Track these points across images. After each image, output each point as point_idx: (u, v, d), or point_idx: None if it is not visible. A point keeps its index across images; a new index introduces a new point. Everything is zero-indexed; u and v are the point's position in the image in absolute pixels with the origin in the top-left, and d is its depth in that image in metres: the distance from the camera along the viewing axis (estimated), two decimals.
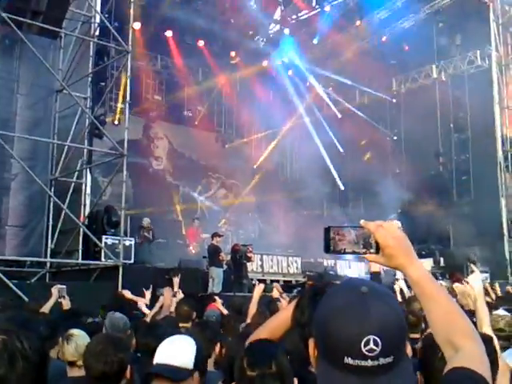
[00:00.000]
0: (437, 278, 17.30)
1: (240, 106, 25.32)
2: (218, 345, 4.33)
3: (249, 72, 24.47)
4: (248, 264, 15.47)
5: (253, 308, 6.30)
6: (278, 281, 15.22)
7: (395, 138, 25.97)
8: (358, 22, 24.23)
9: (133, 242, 13.82)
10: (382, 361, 1.39)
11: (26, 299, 9.60)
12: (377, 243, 1.61)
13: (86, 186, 13.79)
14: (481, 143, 21.88)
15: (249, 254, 15.47)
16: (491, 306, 7.25)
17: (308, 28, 24.68)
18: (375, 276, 3.35)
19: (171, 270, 13.56)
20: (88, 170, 14.00)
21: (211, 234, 16.01)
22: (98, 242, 12.68)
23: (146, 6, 19.99)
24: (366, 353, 1.39)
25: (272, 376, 2.36)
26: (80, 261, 12.94)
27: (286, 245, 20.38)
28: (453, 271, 19.23)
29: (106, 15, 14.71)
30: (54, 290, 7.37)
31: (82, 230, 12.85)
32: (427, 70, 24.54)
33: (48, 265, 13.02)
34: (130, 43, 13.60)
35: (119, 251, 12.57)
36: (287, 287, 14.53)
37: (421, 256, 21.95)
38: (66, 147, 13.54)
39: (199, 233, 19.10)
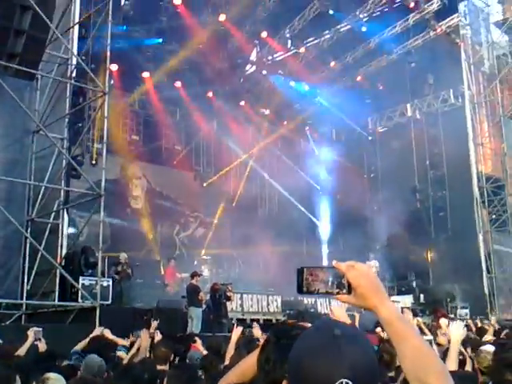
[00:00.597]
0: (416, 315, 17.38)
1: (218, 144, 25.53)
2: None
3: (226, 112, 24.68)
4: (228, 303, 15.35)
5: (231, 350, 6.26)
6: (258, 320, 15.12)
7: (372, 175, 26.24)
8: (332, 63, 24.67)
9: (110, 283, 13.64)
10: None
11: (1, 341, 9.40)
12: (349, 284, 1.61)
13: (62, 226, 13.66)
14: (457, 179, 22.21)
15: (228, 294, 15.36)
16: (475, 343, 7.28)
17: (283, 69, 25.07)
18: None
19: (149, 310, 13.43)
20: (65, 210, 13.88)
21: (190, 274, 15.89)
22: (74, 283, 12.50)
23: (123, 47, 20.19)
24: None
25: None
26: (56, 302, 12.72)
27: (266, 283, 20.28)
28: (436, 307, 19.30)
29: (83, 57, 14.78)
30: (30, 333, 7.23)
31: (58, 271, 12.67)
32: (402, 108, 25.06)
33: (24, 306, 12.77)
34: (106, 84, 13.65)
35: (96, 292, 12.39)
36: (268, 326, 14.41)
37: (401, 292, 22.03)
38: (43, 188, 13.44)
39: (176, 272, 18.97)
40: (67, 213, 14.08)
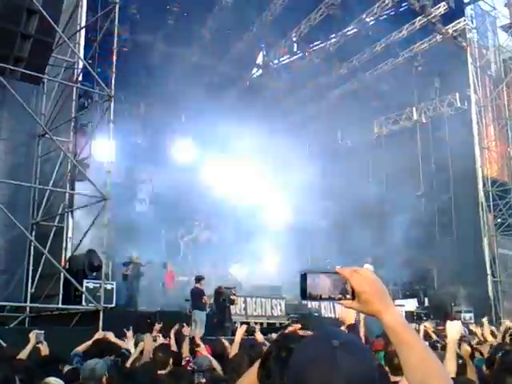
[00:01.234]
0: (421, 319, 17.36)
1: (222, 148, 25.54)
2: None
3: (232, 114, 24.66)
4: (231, 307, 15.37)
5: (234, 349, 6.23)
6: (261, 324, 15.14)
7: (377, 179, 26.21)
8: (338, 67, 24.68)
9: (114, 286, 13.69)
10: None
11: (4, 344, 9.46)
12: (352, 289, 1.61)
13: (67, 229, 13.73)
14: (462, 183, 22.15)
15: (232, 297, 15.40)
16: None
17: (290, 72, 25.09)
18: (350, 328, 3.32)
19: (153, 313, 13.48)
20: (70, 213, 13.95)
21: (195, 277, 15.94)
22: (78, 286, 12.55)
23: (129, 51, 20.32)
24: None
25: None
26: (60, 305, 12.78)
27: (270, 287, 20.27)
28: (447, 313, 19.26)
29: (89, 61, 14.86)
30: (32, 336, 7.21)
31: (62, 274, 12.73)
32: (408, 112, 25.02)
33: (27, 309, 12.84)
34: (113, 88, 13.71)
35: (100, 295, 12.44)
36: (271, 330, 14.44)
37: (405, 296, 21.98)
38: (48, 191, 13.51)
39: (174, 276, 19.03)
40: (72, 216, 14.15)
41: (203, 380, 6.43)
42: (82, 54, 14.32)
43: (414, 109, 24.68)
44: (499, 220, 22.46)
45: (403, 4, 22.38)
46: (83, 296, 12.63)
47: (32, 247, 13.05)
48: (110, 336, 8.79)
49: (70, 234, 13.73)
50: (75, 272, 13.23)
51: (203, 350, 8.31)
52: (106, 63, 15.41)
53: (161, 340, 7.87)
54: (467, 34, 22.73)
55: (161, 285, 19.09)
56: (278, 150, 27.17)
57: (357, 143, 27.25)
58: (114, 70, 14.25)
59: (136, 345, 7.89)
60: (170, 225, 23.20)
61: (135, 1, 20.13)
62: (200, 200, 24.36)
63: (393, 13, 22.87)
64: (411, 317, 19.01)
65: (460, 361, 4.95)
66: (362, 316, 8.97)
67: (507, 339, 8.75)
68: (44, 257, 12.66)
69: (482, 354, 7.26)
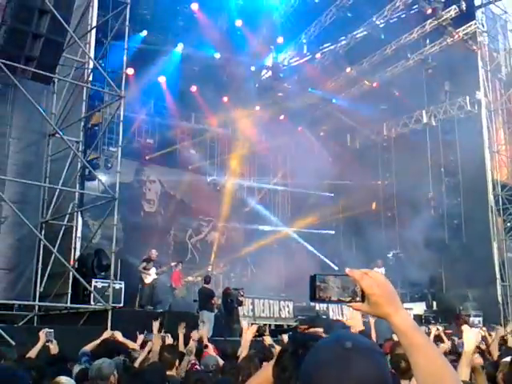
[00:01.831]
0: (429, 322, 17.29)
1: (232, 149, 25.64)
2: None
3: (241, 116, 24.73)
4: (239, 308, 15.36)
5: (245, 348, 6.14)
6: (269, 325, 15.11)
7: (386, 182, 26.16)
8: (348, 69, 24.65)
9: (123, 285, 13.70)
10: None
11: (13, 343, 9.50)
12: (362, 291, 1.60)
13: (76, 228, 13.76)
14: (472, 187, 22.02)
15: (240, 298, 15.38)
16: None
17: (299, 74, 25.07)
18: (361, 334, 3.29)
19: (161, 313, 13.48)
20: (79, 213, 13.99)
21: (203, 278, 15.95)
22: (87, 285, 12.58)
23: (140, 51, 20.37)
24: None
25: None
26: (69, 304, 12.81)
27: (278, 288, 20.28)
28: (457, 314, 19.17)
29: (100, 61, 14.90)
30: (42, 334, 7.24)
31: (71, 273, 12.77)
32: (417, 115, 24.91)
33: (36, 308, 12.88)
34: (123, 88, 13.74)
35: (109, 294, 12.46)
36: (279, 331, 14.41)
37: (413, 299, 21.92)
38: (58, 190, 13.56)
39: (182, 276, 19.03)
40: (81, 215, 14.20)
41: None
42: (92, 54, 14.37)
43: (424, 112, 24.58)
44: (508, 224, 22.34)
45: (414, 7, 22.32)
46: (92, 295, 12.66)
47: (41, 246, 13.09)
48: (118, 335, 8.80)
49: (79, 234, 13.76)
50: (84, 271, 13.28)
51: (211, 350, 8.29)
52: (116, 63, 15.43)
53: (169, 340, 7.86)
54: (478, 37, 22.62)
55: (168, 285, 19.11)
56: (287, 150, 27.25)
57: (366, 146, 27.21)
58: (125, 70, 14.29)
59: (144, 344, 7.89)
60: (178, 225, 23.28)
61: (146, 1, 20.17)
62: (209, 201, 24.41)
63: (403, 15, 22.81)
64: (419, 320, 18.93)
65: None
66: (372, 319, 8.94)
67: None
68: (53, 256, 12.69)
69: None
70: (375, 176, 26.40)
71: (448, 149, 23.69)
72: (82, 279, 12.50)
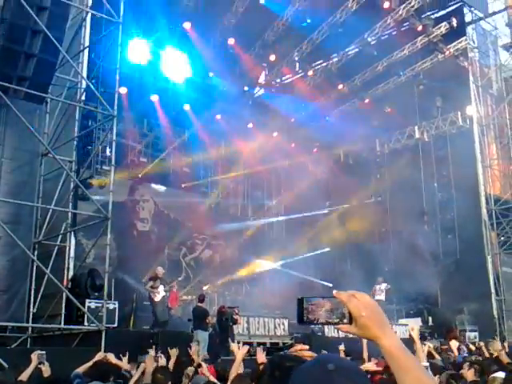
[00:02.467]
0: (425, 338, 17.23)
1: (226, 165, 25.69)
2: None
3: (234, 133, 24.83)
4: (234, 326, 15.26)
5: (234, 371, 6.04)
6: (264, 343, 15.03)
7: (379, 198, 26.23)
8: (340, 86, 24.78)
9: (117, 306, 13.60)
10: None
11: (6, 365, 9.38)
12: (350, 313, 1.60)
13: (69, 249, 13.68)
14: (465, 202, 22.10)
15: (235, 317, 15.27)
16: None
17: (292, 91, 25.19)
18: None
19: (155, 334, 13.39)
20: (72, 233, 13.92)
21: (198, 296, 15.87)
22: (80, 306, 12.48)
23: (131, 72, 20.45)
24: None
25: None
26: (62, 325, 12.71)
27: (272, 306, 20.19)
28: (450, 328, 19.14)
29: (93, 80, 14.91)
30: (34, 357, 7.18)
31: (64, 293, 12.68)
32: (410, 130, 25.08)
33: (30, 330, 12.77)
34: (115, 108, 13.75)
35: (102, 315, 12.37)
36: (274, 350, 14.34)
37: (409, 315, 21.88)
38: (51, 210, 13.50)
39: (177, 296, 18.92)
40: (74, 235, 14.13)
41: None
42: (85, 74, 14.39)
43: (416, 127, 24.73)
44: (502, 238, 22.44)
45: (405, 24, 22.51)
46: (85, 316, 12.56)
47: (34, 266, 13.01)
48: (111, 357, 8.72)
49: (72, 253, 13.68)
50: (77, 291, 13.18)
51: (205, 370, 8.22)
52: (109, 83, 15.43)
53: (162, 361, 7.80)
54: (469, 53, 22.86)
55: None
56: (283, 167, 27.32)
57: (359, 162, 27.30)
58: (118, 89, 14.32)
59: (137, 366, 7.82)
60: (172, 244, 23.21)
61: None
62: (202, 219, 24.39)
63: (394, 32, 23.00)
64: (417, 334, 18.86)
65: None
66: (364, 340, 8.90)
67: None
68: (46, 276, 12.61)
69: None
70: (368, 191, 26.46)
71: (441, 164, 23.84)
72: (75, 300, 12.41)
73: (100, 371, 7.28)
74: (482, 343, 13.62)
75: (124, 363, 8.60)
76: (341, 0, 21.35)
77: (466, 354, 12.18)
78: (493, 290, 21.04)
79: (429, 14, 22.63)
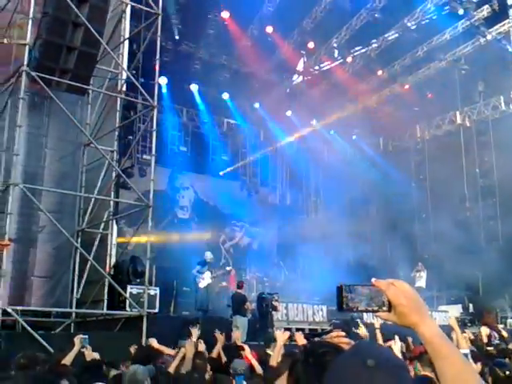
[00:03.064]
0: (465, 325, 17.09)
1: (264, 154, 25.80)
2: None
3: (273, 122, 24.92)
4: (274, 313, 15.41)
5: (277, 355, 5.99)
6: (303, 329, 15.14)
7: (421, 184, 25.96)
8: (379, 72, 24.53)
9: (158, 292, 13.88)
10: None
11: (51, 350, 9.74)
12: (389, 301, 1.63)
13: (112, 236, 14.03)
14: (507, 187, 21.69)
15: (275, 303, 15.42)
16: None
17: (330, 79, 25.05)
18: None
19: (196, 319, 13.64)
20: (114, 221, 14.25)
21: (237, 283, 16.06)
22: (122, 292, 12.78)
23: (172, 61, 20.67)
24: None
25: None
26: (105, 311, 13.05)
27: (311, 292, 20.25)
28: (487, 312, 18.91)
29: (133, 71, 15.14)
30: (76, 340, 7.30)
31: (107, 280, 13.01)
32: (451, 116, 24.69)
33: (73, 315, 13.15)
34: (155, 98, 13.95)
35: (144, 301, 12.66)
36: (313, 335, 14.43)
37: (450, 302, 21.70)
38: (93, 199, 13.83)
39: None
40: (116, 223, 14.45)
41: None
42: (125, 65, 14.64)
43: (458, 113, 24.34)
44: None
45: (445, 8, 22.10)
46: (127, 301, 12.87)
47: (78, 254, 13.36)
48: (153, 342, 8.96)
49: (114, 241, 14.01)
50: (119, 278, 13.50)
51: (248, 353, 8.23)
52: (149, 73, 15.66)
53: (202, 346, 7.94)
54: (511, 36, 22.33)
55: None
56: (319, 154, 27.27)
57: (399, 148, 27.06)
58: (157, 79, 14.52)
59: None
60: (211, 231, 23.44)
61: (177, 11, 20.40)
62: (241, 206, 24.57)
63: (435, 17, 22.60)
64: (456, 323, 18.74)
65: None
66: (377, 325, 8.89)
67: None
68: (89, 263, 12.95)
69: None
70: (409, 178, 26.22)
71: (483, 149, 23.43)
72: (117, 286, 12.71)
73: (142, 355, 7.51)
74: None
75: (166, 348, 8.83)
76: None
77: (498, 341, 12.01)
78: None
79: None
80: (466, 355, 5.78)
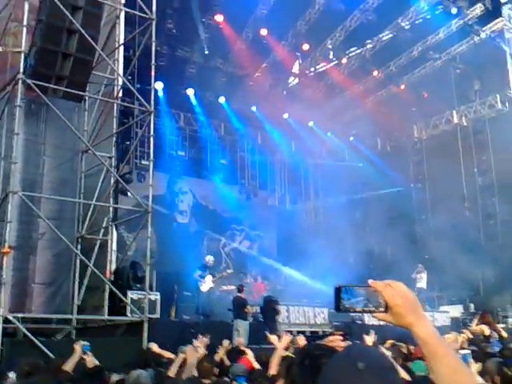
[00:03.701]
0: (466, 325, 17.08)
1: (262, 157, 25.81)
2: None
3: (270, 124, 24.94)
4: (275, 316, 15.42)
5: (277, 358, 5.79)
6: (304, 332, 15.14)
7: (419, 184, 25.97)
8: (375, 72, 24.58)
9: (159, 297, 13.87)
10: None
11: (53, 356, 9.71)
12: (386, 302, 1.65)
13: (111, 242, 14.01)
14: (506, 186, 21.72)
15: (277, 307, 15.49)
16: None
17: (326, 80, 25.09)
18: None
19: (197, 323, 13.64)
20: (113, 226, 14.24)
21: (237, 287, 16.06)
22: (123, 297, 12.77)
23: (167, 66, 20.68)
24: None
25: None
26: (106, 317, 13.03)
27: (312, 295, 20.26)
28: (485, 312, 18.89)
29: (129, 77, 15.15)
30: (77, 347, 7.27)
31: (107, 286, 13.00)
32: (448, 115, 24.70)
33: (74, 321, 13.11)
34: (152, 103, 13.96)
35: (144, 306, 12.65)
36: (315, 338, 14.42)
37: (450, 302, 21.69)
38: (92, 205, 13.81)
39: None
40: (116, 229, 14.44)
41: None
42: (121, 71, 14.64)
43: (454, 112, 24.37)
44: None
45: (438, 7, 22.15)
46: (128, 307, 12.85)
47: (78, 260, 13.34)
48: (154, 347, 8.95)
49: (114, 247, 14.00)
50: (120, 283, 13.48)
51: (250, 357, 8.20)
52: (145, 78, 15.65)
53: (202, 351, 7.88)
54: (505, 34, 22.35)
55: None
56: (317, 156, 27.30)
57: (396, 148, 27.09)
58: (153, 85, 14.52)
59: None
60: (211, 235, 23.45)
61: (171, 15, 20.42)
62: (240, 210, 24.58)
63: (428, 16, 22.65)
64: (457, 323, 18.76)
65: None
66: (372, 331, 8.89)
67: None
68: (89, 269, 12.93)
69: None
70: (407, 178, 26.23)
71: (480, 148, 23.43)
72: (117, 292, 12.69)
73: (143, 360, 7.51)
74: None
75: (166, 352, 8.81)
76: None
77: (497, 341, 11.95)
78: None
79: None
80: (468, 354, 5.77)
